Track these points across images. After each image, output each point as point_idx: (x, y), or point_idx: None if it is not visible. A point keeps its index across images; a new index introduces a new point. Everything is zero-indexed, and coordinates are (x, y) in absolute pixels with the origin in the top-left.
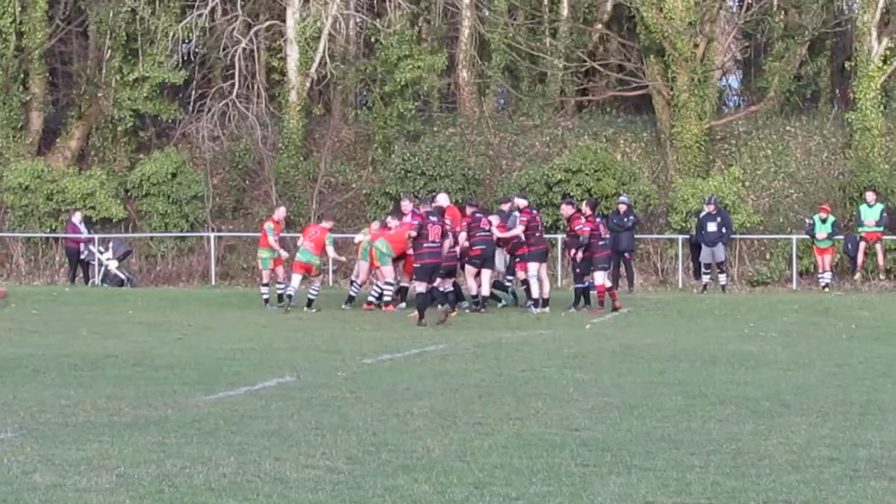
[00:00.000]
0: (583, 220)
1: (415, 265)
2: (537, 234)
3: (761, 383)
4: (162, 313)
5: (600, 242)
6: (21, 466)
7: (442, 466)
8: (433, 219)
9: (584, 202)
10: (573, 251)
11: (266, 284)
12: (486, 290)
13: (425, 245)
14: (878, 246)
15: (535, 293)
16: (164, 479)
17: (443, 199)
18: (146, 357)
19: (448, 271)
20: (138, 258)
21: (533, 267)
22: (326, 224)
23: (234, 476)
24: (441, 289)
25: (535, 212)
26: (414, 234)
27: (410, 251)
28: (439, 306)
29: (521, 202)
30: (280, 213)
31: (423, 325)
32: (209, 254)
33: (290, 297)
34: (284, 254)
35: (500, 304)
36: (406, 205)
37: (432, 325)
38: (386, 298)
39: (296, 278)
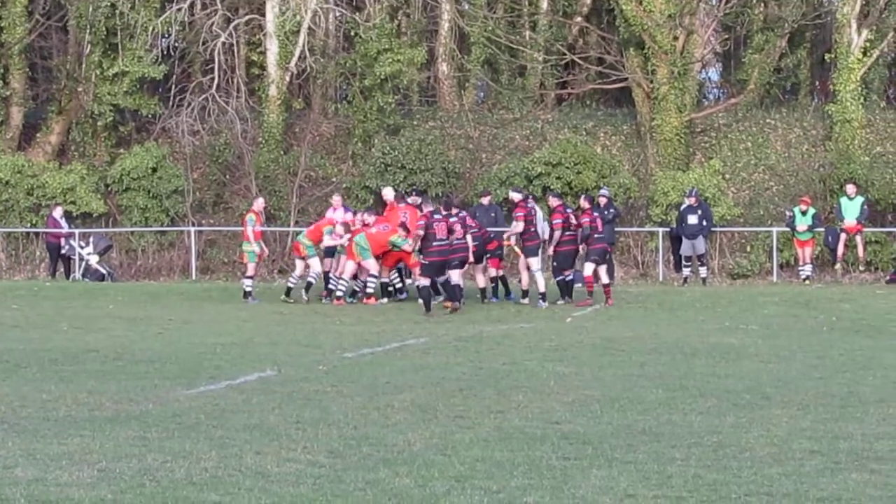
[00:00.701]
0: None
1: (423, 262)
2: (532, 230)
3: (742, 376)
4: (143, 308)
5: (596, 235)
6: (2, 461)
7: (423, 460)
8: (438, 216)
9: (583, 197)
10: (551, 246)
11: (251, 277)
12: (481, 283)
13: (434, 243)
14: (858, 238)
15: (541, 287)
16: (145, 474)
17: (388, 193)
18: (127, 351)
19: (461, 262)
20: (119, 253)
21: (535, 261)
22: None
23: (215, 470)
24: (452, 282)
25: (531, 205)
26: (421, 233)
27: (394, 249)
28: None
29: (516, 196)
30: (258, 204)
31: (431, 316)
32: (189, 248)
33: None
34: (258, 249)
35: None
36: (388, 193)
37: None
38: (369, 290)
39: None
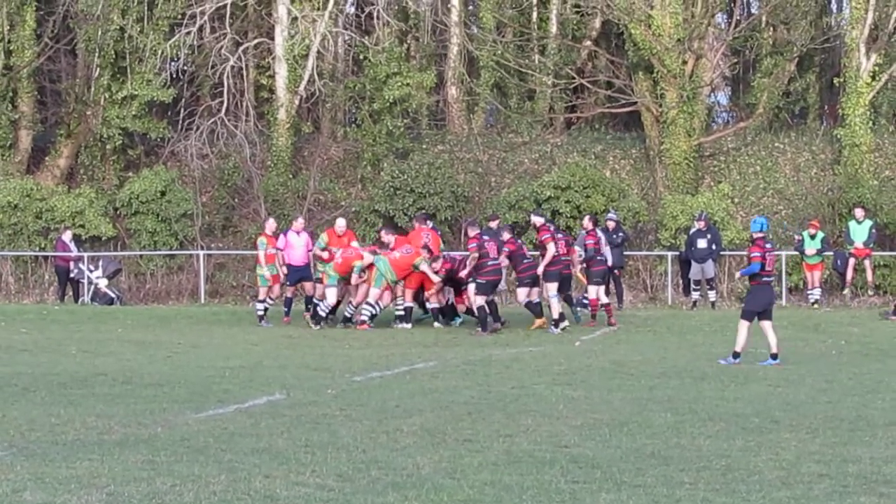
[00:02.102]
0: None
1: (479, 281)
2: (554, 255)
3: (751, 399)
4: (151, 331)
5: (598, 257)
6: (11, 485)
7: (432, 484)
8: (486, 237)
9: (587, 217)
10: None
11: (261, 301)
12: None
13: (489, 263)
14: (866, 262)
15: (555, 313)
16: (154, 498)
17: (340, 224)
18: (136, 375)
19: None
20: (127, 276)
21: (553, 287)
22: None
23: (224, 494)
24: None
25: (552, 228)
26: (476, 255)
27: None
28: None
29: (538, 220)
30: (270, 226)
31: (497, 329)
32: (198, 272)
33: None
34: (268, 272)
35: (457, 322)
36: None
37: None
38: (364, 317)
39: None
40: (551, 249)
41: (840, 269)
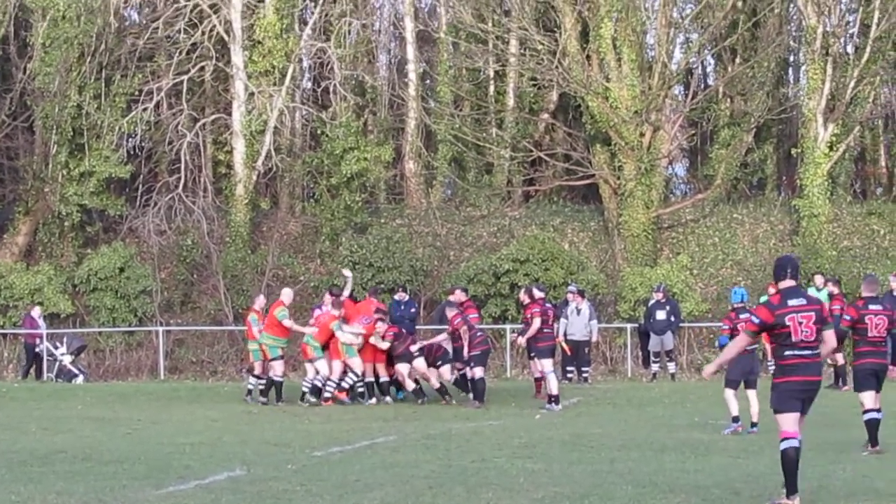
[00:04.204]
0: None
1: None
2: (546, 330)
3: (712, 471)
4: (111, 408)
5: (545, 330)
6: None
7: None
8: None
9: (523, 290)
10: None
11: (258, 376)
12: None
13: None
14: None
15: (554, 390)
16: None
17: (287, 294)
18: (95, 452)
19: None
20: (87, 353)
21: (548, 363)
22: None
23: None
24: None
25: (547, 304)
26: (539, 321)
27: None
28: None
29: (538, 293)
30: (260, 301)
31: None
32: (158, 348)
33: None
34: (307, 329)
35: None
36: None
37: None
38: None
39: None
40: (535, 324)
41: None
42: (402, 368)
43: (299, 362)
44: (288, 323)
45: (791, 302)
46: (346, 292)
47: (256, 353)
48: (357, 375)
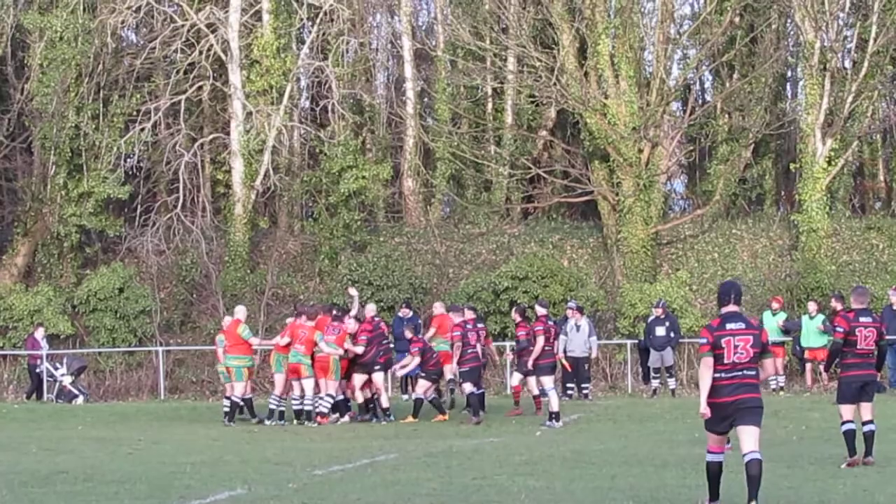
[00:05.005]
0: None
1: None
2: (546, 348)
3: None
4: (112, 428)
5: (546, 347)
6: None
7: None
8: (470, 326)
9: (514, 310)
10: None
11: (227, 397)
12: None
13: (469, 351)
14: (821, 367)
15: (555, 406)
16: None
17: (240, 310)
18: (97, 472)
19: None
20: (87, 374)
21: (549, 380)
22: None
23: None
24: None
25: (550, 322)
26: (460, 343)
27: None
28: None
29: (542, 310)
30: (227, 321)
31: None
32: (158, 368)
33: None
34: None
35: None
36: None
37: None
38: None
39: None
40: (539, 342)
41: (798, 355)
42: (357, 380)
43: (270, 382)
44: (255, 340)
45: (730, 325)
46: (353, 311)
47: (226, 376)
48: (332, 396)
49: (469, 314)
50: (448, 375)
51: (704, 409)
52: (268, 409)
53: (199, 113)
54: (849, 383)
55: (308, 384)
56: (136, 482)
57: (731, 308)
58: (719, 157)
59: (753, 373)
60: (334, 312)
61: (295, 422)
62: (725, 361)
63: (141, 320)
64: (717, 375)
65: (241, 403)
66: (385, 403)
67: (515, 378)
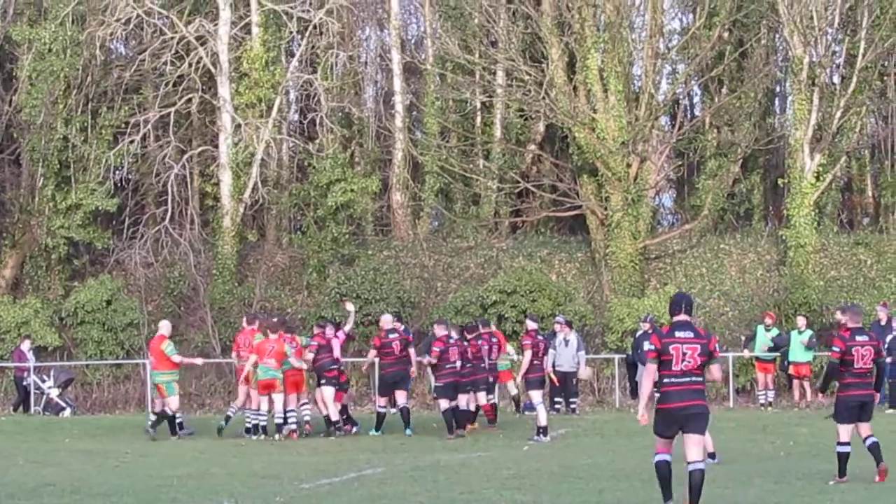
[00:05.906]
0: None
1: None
2: (535, 362)
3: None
4: (99, 441)
5: (534, 361)
6: None
7: None
8: (451, 341)
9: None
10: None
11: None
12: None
13: (447, 366)
14: (806, 384)
15: (542, 421)
16: None
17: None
18: (84, 485)
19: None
20: (74, 386)
21: (537, 394)
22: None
23: None
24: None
25: (539, 337)
26: (434, 360)
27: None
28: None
29: (532, 325)
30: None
31: (455, 437)
32: (145, 381)
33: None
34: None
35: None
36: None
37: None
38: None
39: (264, 400)
40: (527, 356)
41: (785, 370)
42: (321, 393)
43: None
44: (177, 358)
45: (678, 333)
46: (349, 326)
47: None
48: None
49: (483, 327)
50: (512, 391)
51: (642, 415)
52: (245, 427)
53: (188, 125)
54: (847, 403)
55: (279, 398)
56: (123, 495)
57: (682, 317)
58: (708, 172)
59: (700, 380)
60: (284, 325)
61: (263, 437)
62: (674, 368)
63: (128, 333)
64: (667, 381)
65: (173, 415)
66: (335, 417)
67: (481, 397)
